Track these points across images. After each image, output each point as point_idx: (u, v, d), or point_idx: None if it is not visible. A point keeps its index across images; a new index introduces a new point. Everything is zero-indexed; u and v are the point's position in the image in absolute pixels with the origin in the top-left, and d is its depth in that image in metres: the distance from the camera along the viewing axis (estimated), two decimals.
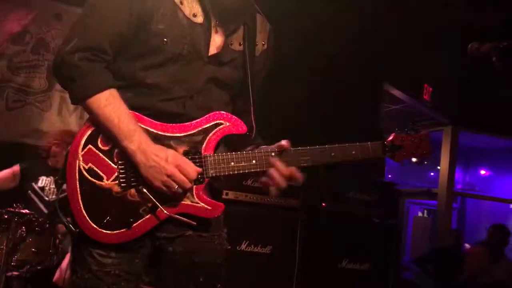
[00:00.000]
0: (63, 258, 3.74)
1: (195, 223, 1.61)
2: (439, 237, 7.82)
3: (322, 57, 5.24)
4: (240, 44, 1.75)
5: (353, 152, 1.73)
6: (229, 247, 1.82)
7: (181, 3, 1.64)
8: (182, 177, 1.54)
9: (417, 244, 9.96)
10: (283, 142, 1.68)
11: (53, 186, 4.21)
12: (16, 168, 4.24)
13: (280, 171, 1.66)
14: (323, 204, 4.36)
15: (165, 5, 1.61)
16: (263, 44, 1.84)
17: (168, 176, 1.53)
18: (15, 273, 3.56)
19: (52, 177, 4.24)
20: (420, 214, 11.12)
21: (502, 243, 5.92)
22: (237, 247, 3.88)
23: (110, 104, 1.55)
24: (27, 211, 3.80)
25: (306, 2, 4.97)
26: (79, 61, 1.54)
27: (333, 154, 1.72)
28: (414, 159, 1.80)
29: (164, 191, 1.55)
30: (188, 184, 1.56)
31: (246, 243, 3.93)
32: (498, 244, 5.89)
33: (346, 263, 4.34)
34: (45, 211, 3.76)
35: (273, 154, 1.67)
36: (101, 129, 1.58)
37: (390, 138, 1.79)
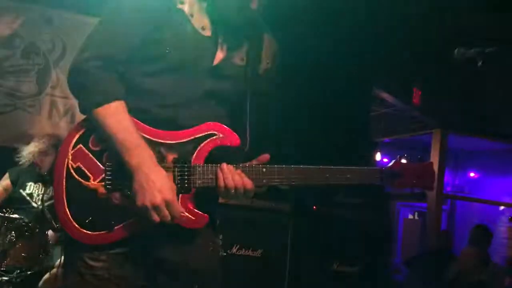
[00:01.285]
0: (53, 263, 3.73)
1: (182, 224, 1.59)
2: (429, 239, 7.87)
3: (311, 61, 5.28)
4: (242, 60, 1.75)
5: (348, 176, 1.69)
6: (225, 254, 1.82)
7: (192, 15, 1.65)
8: (166, 212, 1.52)
9: (408, 246, 10.02)
10: (265, 156, 1.67)
11: (41, 192, 4.18)
12: (6, 182, 4.18)
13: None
14: (314, 207, 4.38)
15: (175, 16, 1.63)
16: (267, 63, 1.82)
17: (153, 205, 1.50)
18: (4, 278, 3.54)
19: (40, 184, 4.22)
20: (410, 216, 11.18)
21: (485, 243, 5.98)
22: (228, 251, 3.89)
23: (117, 115, 1.56)
24: (17, 216, 3.79)
25: (295, 8, 5.00)
26: (93, 69, 1.55)
27: (327, 175, 1.68)
28: (411, 189, 1.74)
29: (143, 213, 1.53)
30: (167, 219, 1.52)
31: (237, 246, 3.94)
32: (481, 244, 5.94)
33: (337, 266, 4.36)
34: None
35: (264, 170, 1.65)
36: (102, 138, 1.58)
37: (390, 165, 1.75)
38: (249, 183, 1.62)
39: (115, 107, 1.56)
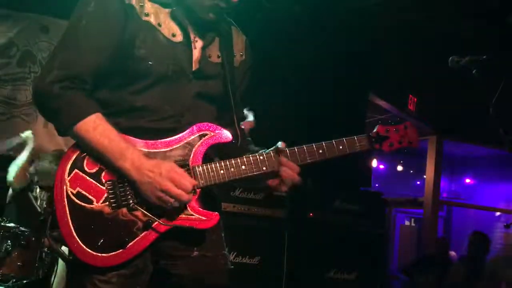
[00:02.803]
0: (49, 271, 3.71)
1: (196, 226, 1.61)
2: (425, 245, 7.88)
3: (308, 67, 5.31)
4: (218, 57, 1.78)
5: (341, 147, 1.75)
6: (232, 266, 1.84)
7: (159, 25, 1.65)
8: (178, 190, 1.53)
9: (404, 253, 10.01)
10: (280, 144, 1.73)
11: (45, 199, 4.18)
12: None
13: (291, 168, 1.70)
14: (311, 214, 4.38)
15: (144, 30, 1.62)
16: (241, 55, 1.86)
17: (163, 191, 1.52)
18: (0, 287, 3.52)
19: (44, 192, 4.21)
20: (407, 222, 11.19)
21: (482, 251, 5.97)
22: None
23: (98, 126, 1.55)
24: (13, 224, 3.77)
25: (294, 16, 5.03)
26: (61, 90, 1.53)
27: (321, 151, 1.74)
28: (400, 147, 1.82)
29: (162, 206, 1.55)
30: (184, 197, 1.54)
31: (234, 254, 3.94)
32: (479, 251, 5.94)
33: (333, 272, 4.36)
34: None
35: (269, 155, 1.70)
36: (92, 154, 1.57)
37: (375, 130, 1.82)
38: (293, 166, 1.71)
39: (93, 121, 1.55)
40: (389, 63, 6.23)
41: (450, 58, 2.17)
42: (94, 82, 1.61)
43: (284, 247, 4.10)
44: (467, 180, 10.65)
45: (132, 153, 1.55)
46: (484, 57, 1.99)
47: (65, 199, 1.55)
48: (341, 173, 4.03)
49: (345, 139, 1.76)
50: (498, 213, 9.92)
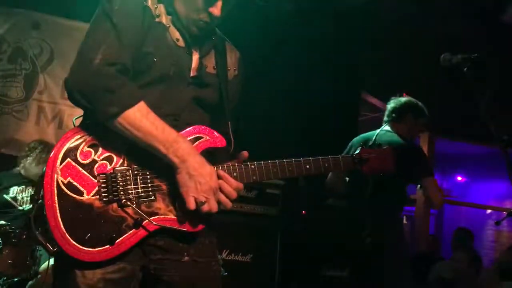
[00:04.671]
0: (39, 267, 3.70)
1: (186, 230, 1.60)
2: (417, 243, 7.92)
3: (300, 66, 5.31)
4: (214, 68, 1.81)
5: (326, 165, 1.80)
6: (226, 273, 1.84)
7: (168, 26, 1.70)
8: (214, 201, 1.59)
9: None
10: (244, 153, 1.75)
11: (25, 194, 4.18)
12: None
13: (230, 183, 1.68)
14: (303, 212, 4.39)
15: (156, 30, 1.66)
16: (234, 70, 1.90)
17: (205, 193, 1.56)
18: None
19: (24, 186, 4.21)
20: None
21: (468, 245, 6.02)
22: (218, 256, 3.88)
23: (149, 113, 1.55)
24: (3, 222, 3.76)
25: (286, 15, 5.03)
26: (116, 72, 1.52)
27: (307, 166, 1.77)
28: (377, 172, 1.89)
29: (191, 207, 1.55)
30: (215, 210, 1.60)
31: (227, 251, 3.94)
32: (465, 246, 5.98)
33: (326, 270, 4.37)
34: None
35: (252, 166, 1.71)
36: (139, 143, 1.55)
37: (358, 151, 1.89)
38: (241, 186, 1.68)
39: (144, 107, 1.54)
40: (382, 61, 6.24)
41: (442, 56, 2.19)
42: None
43: (277, 244, 4.11)
44: (459, 178, 10.71)
45: (185, 145, 1.57)
46: (476, 55, 2.01)
47: (55, 188, 1.52)
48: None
49: (331, 157, 1.82)
50: (489, 211, 9.99)
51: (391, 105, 3.80)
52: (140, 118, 1.52)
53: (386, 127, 3.72)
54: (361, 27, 5.54)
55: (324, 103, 5.44)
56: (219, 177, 1.64)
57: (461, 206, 10.33)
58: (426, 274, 5.90)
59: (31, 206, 4.06)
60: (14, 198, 4.16)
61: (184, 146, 1.56)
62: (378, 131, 3.69)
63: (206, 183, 1.56)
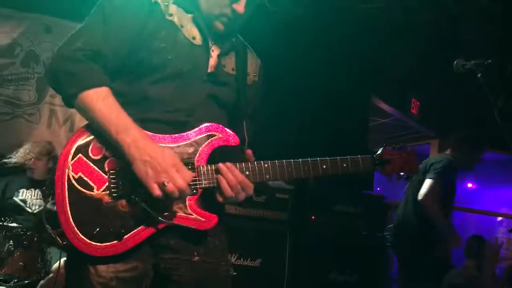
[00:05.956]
0: (50, 268, 3.72)
1: (195, 227, 1.60)
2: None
3: (312, 71, 5.31)
4: (233, 70, 1.81)
5: (344, 165, 1.76)
6: (235, 273, 1.83)
7: (182, 26, 1.70)
8: (177, 175, 1.51)
9: None
10: (247, 152, 1.74)
11: (35, 197, 4.20)
12: None
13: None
14: (312, 217, 4.38)
15: (167, 28, 1.67)
16: (254, 76, 1.90)
17: (163, 173, 1.50)
18: (2, 287, 3.52)
19: (33, 189, 4.23)
20: None
21: (481, 253, 5.96)
22: None
23: (108, 97, 1.56)
24: (15, 224, 3.78)
25: (298, 19, 5.04)
26: (84, 57, 1.56)
27: (324, 166, 1.74)
28: (402, 173, 1.86)
29: (157, 193, 1.50)
30: (183, 185, 1.51)
31: (236, 256, 3.93)
32: (479, 254, 5.92)
33: (335, 275, 4.35)
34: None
35: (266, 165, 1.68)
36: (94, 125, 1.57)
37: (379, 152, 1.84)
38: (247, 181, 1.64)
39: (104, 92, 1.57)
40: (393, 67, 6.23)
41: (455, 62, 2.18)
42: (110, 72, 1.63)
43: (286, 249, 4.10)
44: (469, 185, 10.62)
45: (136, 130, 1.54)
46: (489, 61, 1.99)
47: (66, 183, 1.54)
48: (343, 176, 4.03)
49: (349, 158, 1.78)
50: (500, 218, 9.89)
51: None
52: (96, 99, 1.55)
53: None
54: (373, 32, 5.54)
55: (334, 108, 5.44)
56: (224, 170, 1.61)
57: (471, 213, 10.23)
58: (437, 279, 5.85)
59: (40, 208, 4.09)
60: (24, 201, 4.17)
61: (134, 132, 1.53)
62: None
63: (162, 163, 1.50)
